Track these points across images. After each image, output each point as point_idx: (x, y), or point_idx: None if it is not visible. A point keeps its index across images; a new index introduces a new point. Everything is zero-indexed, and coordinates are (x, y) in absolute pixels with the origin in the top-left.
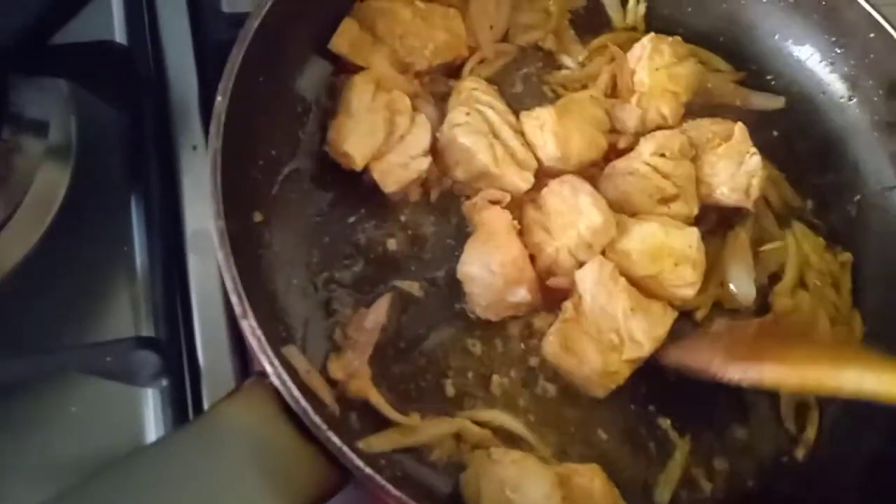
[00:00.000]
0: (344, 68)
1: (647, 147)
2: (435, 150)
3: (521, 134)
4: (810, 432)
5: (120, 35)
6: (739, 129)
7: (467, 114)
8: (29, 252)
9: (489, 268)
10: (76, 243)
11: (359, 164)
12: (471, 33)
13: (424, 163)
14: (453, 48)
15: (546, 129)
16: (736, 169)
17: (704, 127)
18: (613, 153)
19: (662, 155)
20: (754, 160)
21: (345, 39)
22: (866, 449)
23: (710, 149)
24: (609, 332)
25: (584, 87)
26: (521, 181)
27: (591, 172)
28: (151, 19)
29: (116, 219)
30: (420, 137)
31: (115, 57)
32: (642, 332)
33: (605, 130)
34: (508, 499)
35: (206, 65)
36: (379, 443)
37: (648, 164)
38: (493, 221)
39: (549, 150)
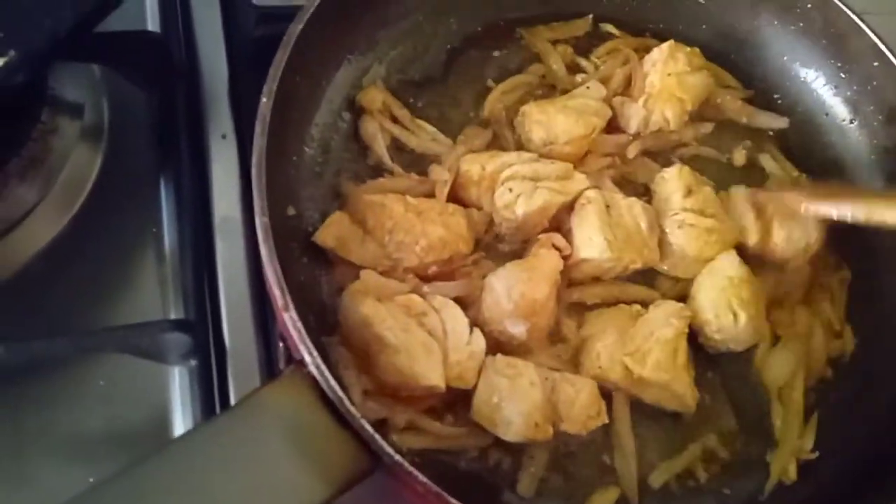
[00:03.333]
0: None
1: (674, 199)
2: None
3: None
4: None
5: (153, 25)
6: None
7: (510, 189)
8: (60, 232)
9: (510, 292)
10: (106, 224)
11: (443, 385)
12: (471, 227)
13: (479, 341)
14: (449, 245)
15: (529, 119)
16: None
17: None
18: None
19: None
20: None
21: (331, 232)
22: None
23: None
24: (637, 338)
25: None
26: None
27: (602, 165)
28: (184, 10)
29: (146, 201)
30: (457, 319)
31: (150, 46)
32: (655, 363)
33: (599, 116)
34: (496, 405)
35: (235, 56)
36: (414, 441)
37: (686, 210)
38: (543, 260)
39: (535, 137)
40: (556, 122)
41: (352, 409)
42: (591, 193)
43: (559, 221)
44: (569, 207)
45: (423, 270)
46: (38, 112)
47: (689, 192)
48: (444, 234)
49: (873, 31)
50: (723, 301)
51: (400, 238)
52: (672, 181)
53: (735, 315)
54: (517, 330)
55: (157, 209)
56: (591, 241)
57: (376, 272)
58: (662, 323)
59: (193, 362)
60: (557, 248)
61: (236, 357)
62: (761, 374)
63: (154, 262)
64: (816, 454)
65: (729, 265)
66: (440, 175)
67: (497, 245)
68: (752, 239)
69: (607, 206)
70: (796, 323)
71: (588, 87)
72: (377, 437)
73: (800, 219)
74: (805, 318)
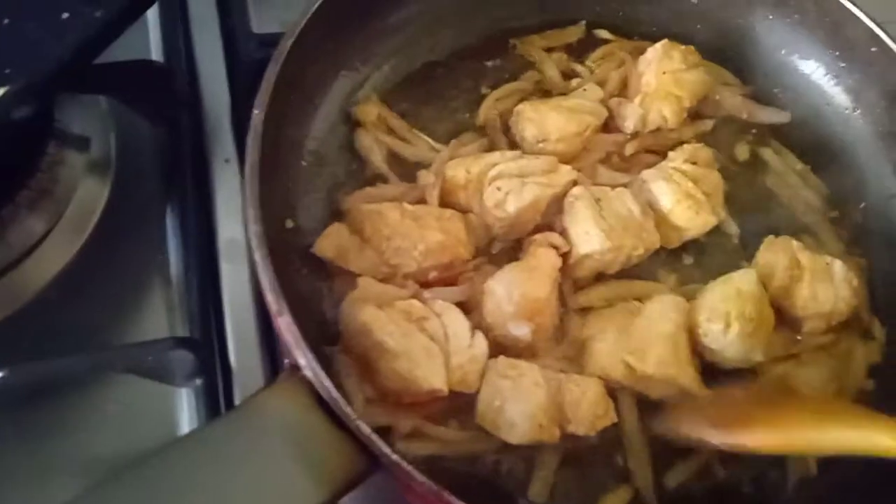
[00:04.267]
0: None
1: (677, 156)
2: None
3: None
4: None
5: (156, 54)
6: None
7: (498, 188)
8: (70, 260)
9: (510, 294)
10: (114, 251)
11: (446, 388)
12: (471, 232)
13: (481, 343)
14: (448, 249)
15: (522, 118)
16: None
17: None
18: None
19: (694, 163)
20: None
21: (331, 242)
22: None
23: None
24: (636, 335)
25: None
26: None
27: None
28: (186, 39)
29: (152, 228)
30: (459, 322)
31: (154, 75)
32: (656, 357)
33: (594, 115)
34: (499, 407)
35: (237, 82)
36: (419, 447)
37: (679, 170)
38: (541, 259)
39: (528, 135)
40: (548, 119)
41: (348, 410)
42: (577, 190)
43: (550, 221)
44: (558, 204)
45: (424, 276)
46: (45, 145)
47: (694, 161)
48: (442, 239)
49: (869, 17)
50: (721, 308)
51: (397, 244)
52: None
53: (727, 325)
54: (521, 332)
55: (164, 235)
56: (587, 236)
57: (376, 280)
58: (660, 318)
59: (199, 382)
60: (554, 247)
61: (242, 377)
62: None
63: (161, 288)
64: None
65: (745, 280)
66: (426, 179)
67: (490, 249)
68: (775, 284)
69: (597, 200)
70: (835, 341)
71: (585, 90)
72: (374, 437)
73: (835, 283)
74: (845, 334)
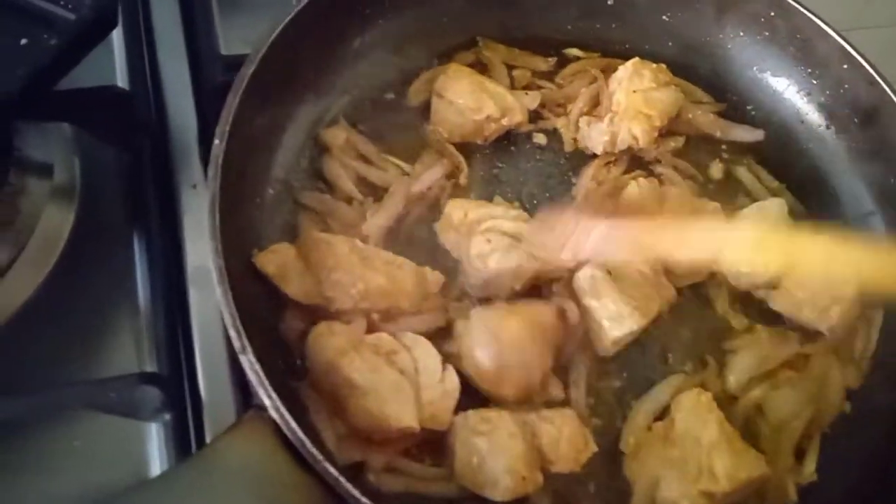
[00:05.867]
0: None
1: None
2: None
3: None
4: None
5: (121, 79)
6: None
7: (488, 241)
8: (34, 291)
9: (492, 331)
10: (80, 281)
11: (417, 425)
12: (419, 285)
13: (453, 378)
14: (388, 296)
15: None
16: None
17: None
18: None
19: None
20: (846, 292)
21: (274, 259)
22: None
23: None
24: (692, 461)
25: (563, 107)
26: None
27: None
28: (152, 62)
29: (119, 256)
30: (430, 356)
31: (118, 101)
32: (723, 469)
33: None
34: (478, 466)
35: (204, 105)
36: (392, 483)
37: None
38: (539, 311)
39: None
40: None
41: (314, 451)
42: (588, 271)
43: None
44: (546, 282)
45: (364, 315)
46: (5, 174)
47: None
48: (383, 284)
49: (837, 34)
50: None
51: (337, 277)
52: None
53: None
54: (486, 362)
55: (131, 263)
56: (620, 318)
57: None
58: (699, 425)
59: (167, 416)
60: (561, 311)
61: (213, 410)
62: (763, 410)
63: (129, 316)
64: (816, 477)
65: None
66: (375, 221)
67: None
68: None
69: (609, 272)
70: (811, 365)
71: None
72: (342, 479)
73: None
74: (822, 357)
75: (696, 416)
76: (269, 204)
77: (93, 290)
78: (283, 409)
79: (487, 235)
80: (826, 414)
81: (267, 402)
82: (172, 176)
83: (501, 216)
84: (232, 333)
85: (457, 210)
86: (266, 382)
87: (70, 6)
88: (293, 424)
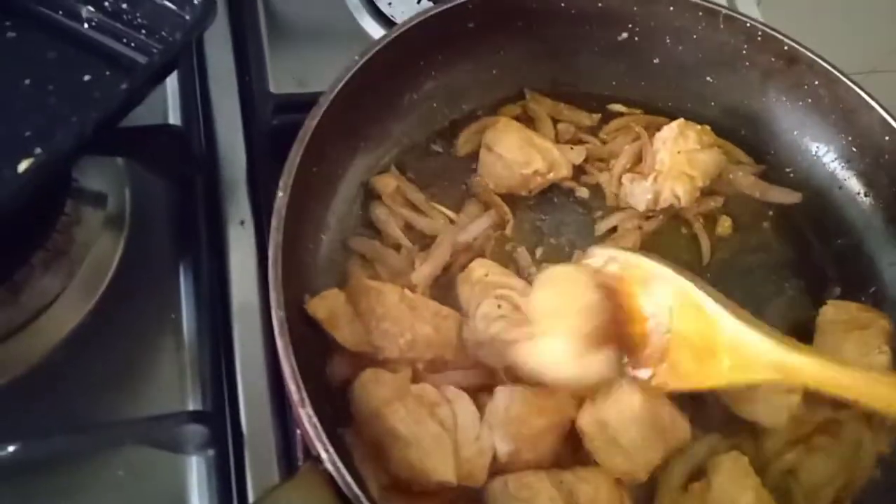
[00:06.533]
0: None
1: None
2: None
3: None
4: None
5: (174, 117)
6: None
7: (499, 306)
8: (80, 321)
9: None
10: (126, 312)
11: (454, 480)
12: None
13: (489, 436)
14: (434, 346)
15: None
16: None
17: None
18: None
19: None
20: (881, 358)
21: (325, 305)
22: None
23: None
24: None
25: (605, 162)
26: None
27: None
28: (204, 100)
29: (165, 288)
30: (468, 413)
31: (171, 138)
32: None
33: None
34: None
35: (253, 143)
36: None
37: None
38: (562, 401)
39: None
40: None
41: None
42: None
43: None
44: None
45: (408, 365)
46: (63, 204)
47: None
48: (430, 335)
49: (882, 107)
50: None
51: (386, 327)
52: None
53: None
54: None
55: (177, 296)
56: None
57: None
58: (737, 490)
59: (211, 452)
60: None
61: (254, 446)
62: (796, 475)
63: (173, 350)
64: None
65: None
66: (423, 270)
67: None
68: None
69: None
70: (844, 430)
71: None
72: None
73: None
74: (854, 423)
75: (733, 480)
76: (322, 251)
77: (138, 320)
78: (339, 463)
79: (500, 301)
80: (858, 479)
81: (324, 455)
82: (221, 212)
83: (518, 287)
84: (291, 387)
85: (480, 268)
86: (324, 436)
87: (138, 47)
88: (349, 479)
